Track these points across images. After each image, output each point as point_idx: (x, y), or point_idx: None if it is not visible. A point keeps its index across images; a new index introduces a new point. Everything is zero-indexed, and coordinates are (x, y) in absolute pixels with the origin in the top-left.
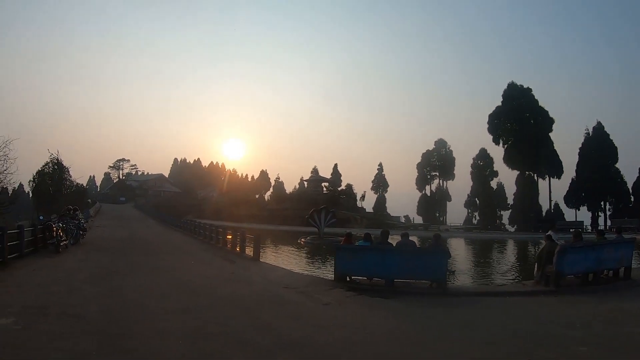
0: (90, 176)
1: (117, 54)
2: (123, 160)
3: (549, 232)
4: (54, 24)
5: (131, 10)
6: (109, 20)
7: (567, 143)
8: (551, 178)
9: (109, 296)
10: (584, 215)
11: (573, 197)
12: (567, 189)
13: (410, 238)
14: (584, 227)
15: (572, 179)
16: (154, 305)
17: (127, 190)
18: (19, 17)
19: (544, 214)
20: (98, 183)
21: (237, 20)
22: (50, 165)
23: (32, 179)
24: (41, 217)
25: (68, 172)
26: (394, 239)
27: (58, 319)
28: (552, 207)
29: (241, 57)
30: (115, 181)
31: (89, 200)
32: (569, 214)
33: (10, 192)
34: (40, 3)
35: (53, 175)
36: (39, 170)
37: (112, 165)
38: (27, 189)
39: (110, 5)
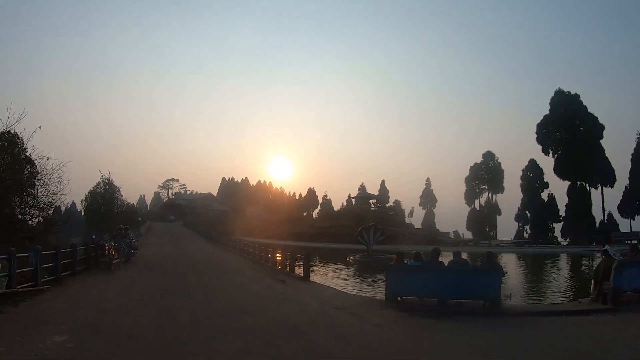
0: (141, 195)
1: (166, 77)
2: (172, 180)
3: (606, 247)
4: (104, 48)
5: (179, 34)
6: (157, 44)
7: (618, 150)
8: (604, 187)
9: (159, 315)
10: (639, 225)
11: (627, 207)
12: (621, 197)
13: (461, 255)
14: None
15: (626, 187)
16: (205, 324)
17: (176, 209)
18: (70, 42)
19: (597, 225)
20: (148, 202)
21: (280, 43)
22: (101, 185)
23: (84, 199)
24: (94, 236)
25: (119, 191)
26: (444, 257)
27: (110, 337)
28: (606, 218)
29: (286, 78)
30: (164, 200)
31: (140, 218)
32: (624, 224)
33: (63, 211)
34: (89, 30)
35: (104, 194)
36: (91, 190)
37: (161, 185)
38: (79, 207)
39: (158, 29)
